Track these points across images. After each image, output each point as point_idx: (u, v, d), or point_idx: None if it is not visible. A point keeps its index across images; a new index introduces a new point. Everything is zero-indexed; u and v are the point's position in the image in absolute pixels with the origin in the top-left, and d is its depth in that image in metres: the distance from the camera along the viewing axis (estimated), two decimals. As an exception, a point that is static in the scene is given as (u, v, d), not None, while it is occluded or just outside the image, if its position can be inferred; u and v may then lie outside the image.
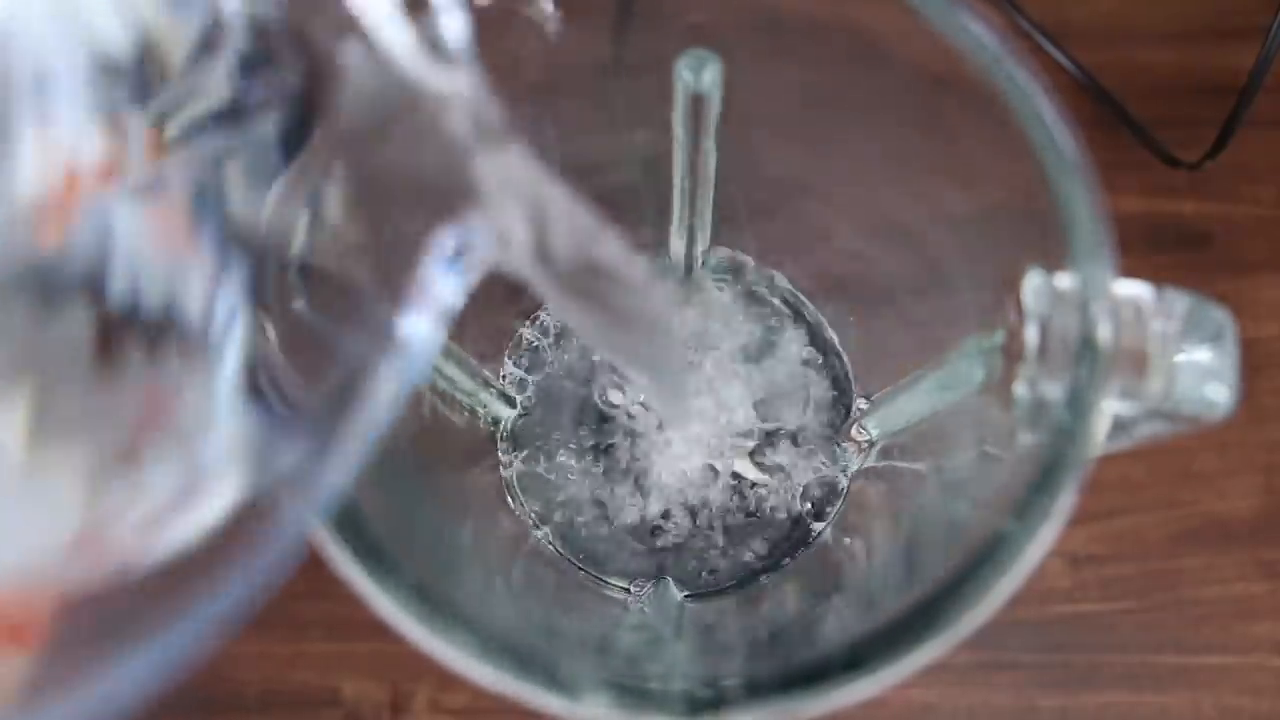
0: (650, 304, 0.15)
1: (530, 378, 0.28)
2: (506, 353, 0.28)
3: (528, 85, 0.18)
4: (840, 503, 0.26)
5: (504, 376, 0.28)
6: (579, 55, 0.20)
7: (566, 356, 0.28)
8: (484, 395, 0.26)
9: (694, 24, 0.19)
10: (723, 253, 0.28)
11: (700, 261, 0.28)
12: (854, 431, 0.26)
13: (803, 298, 0.28)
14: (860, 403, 0.27)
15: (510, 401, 0.27)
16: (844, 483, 0.26)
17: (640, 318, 0.16)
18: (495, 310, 0.27)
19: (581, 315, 0.15)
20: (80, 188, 0.11)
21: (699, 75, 0.19)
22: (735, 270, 0.28)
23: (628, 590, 0.26)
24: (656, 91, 0.20)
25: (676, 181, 0.24)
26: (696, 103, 0.20)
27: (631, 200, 0.27)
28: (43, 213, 0.11)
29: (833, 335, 0.28)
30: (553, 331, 0.28)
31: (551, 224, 0.13)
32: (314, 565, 0.13)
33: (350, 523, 0.14)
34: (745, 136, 0.22)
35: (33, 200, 0.11)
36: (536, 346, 0.28)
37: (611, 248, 0.14)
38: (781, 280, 0.28)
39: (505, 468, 0.27)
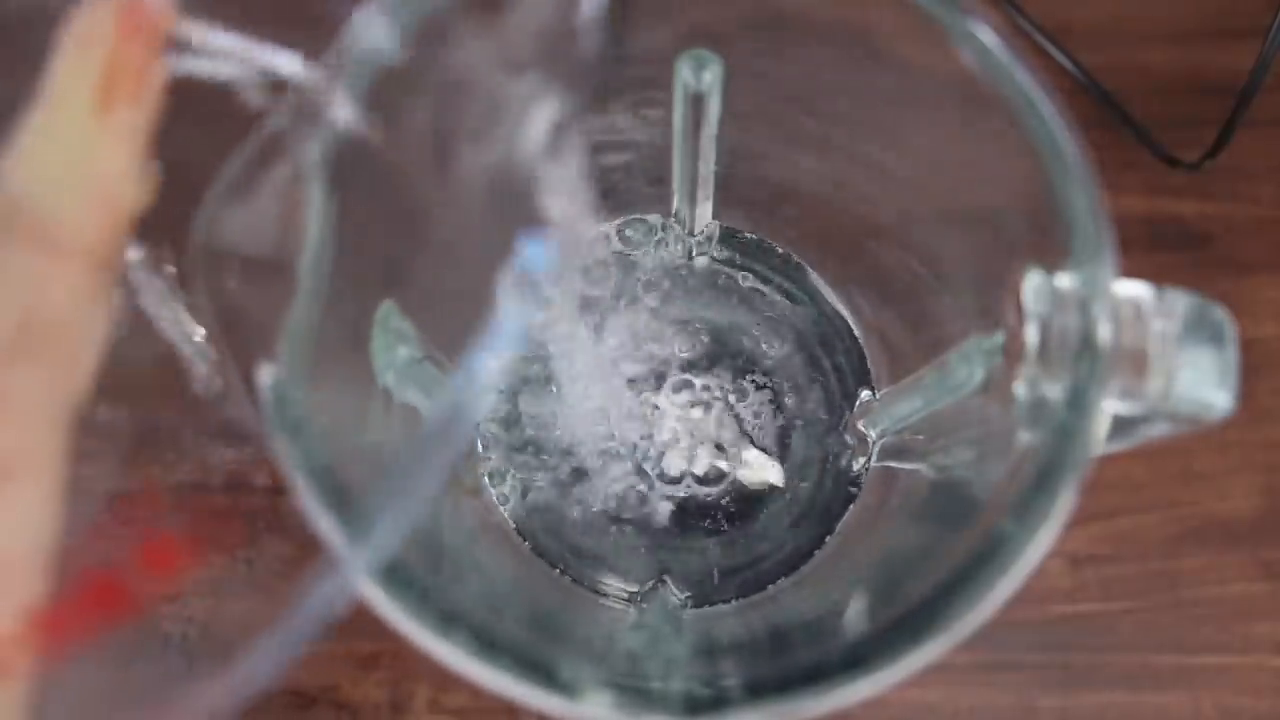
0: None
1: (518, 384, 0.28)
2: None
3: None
4: (842, 503, 0.26)
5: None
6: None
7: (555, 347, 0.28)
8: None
9: (694, 24, 0.19)
10: (723, 242, 0.28)
11: (700, 249, 0.28)
12: (858, 427, 0.26)
13: (813, 287, 0.28)
14: (864, 394, 0.27)
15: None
16: (846, 483, 0.26)
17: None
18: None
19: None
20: None
21: (699, 75, 0.19)
22: (737, 259, 0.28)
23: (626, 595, 0.26)
24: (656, 91, 0.20)
25: (676, 180, 0.24)
26: (696, 102, 0.20)
27: (632, 200, 0.27)
28: None
29: (841, 328, 0.28)
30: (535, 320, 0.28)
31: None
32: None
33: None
34: (745, 135, 0.22)
35: None
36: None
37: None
38: (786, 264, 0.28)
39: (486, 461, 0.27)
